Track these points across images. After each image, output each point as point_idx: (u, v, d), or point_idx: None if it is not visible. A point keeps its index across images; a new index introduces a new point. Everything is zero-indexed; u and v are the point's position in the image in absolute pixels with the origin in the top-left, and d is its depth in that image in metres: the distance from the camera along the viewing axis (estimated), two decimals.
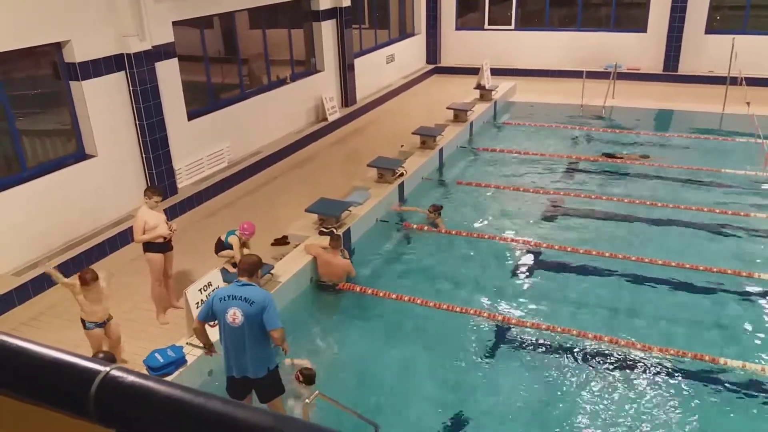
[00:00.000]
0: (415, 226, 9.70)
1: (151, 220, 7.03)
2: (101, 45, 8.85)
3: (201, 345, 5.77)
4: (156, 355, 6.05)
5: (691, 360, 6.56)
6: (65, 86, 8.72)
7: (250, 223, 7.81)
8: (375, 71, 16.77)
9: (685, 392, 6.24)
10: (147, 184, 9.50)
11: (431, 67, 19.75)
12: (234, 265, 8.11)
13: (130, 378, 1.03)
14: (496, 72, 16.84)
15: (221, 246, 7.94)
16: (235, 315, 5.04)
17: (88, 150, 9.03)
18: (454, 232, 9.49)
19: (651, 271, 8.26)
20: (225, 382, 5.44)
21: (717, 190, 10.87)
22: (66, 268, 8.12)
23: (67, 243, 8.55)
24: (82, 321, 6.18)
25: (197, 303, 6.41)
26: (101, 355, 5.68)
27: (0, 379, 1.11)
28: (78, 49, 8.54)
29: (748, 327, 7.22)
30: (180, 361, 6.10)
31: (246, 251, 7.52)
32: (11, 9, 7.70)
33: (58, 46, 8.49)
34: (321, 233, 8.78)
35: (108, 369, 1.04)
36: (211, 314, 5.24)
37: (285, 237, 9.06)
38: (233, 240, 7.76)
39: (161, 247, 7.16)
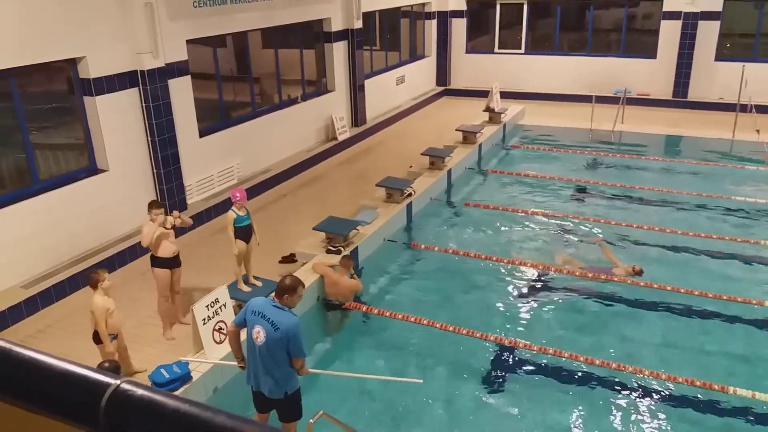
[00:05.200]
0: (423, 246, 9.69)
1: (156, 233, 7.05)
2: (115, 61, 8.97)
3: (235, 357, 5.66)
4: (162, 370, 6.05)
5: (699, 388, 6.48)
6: (79, 101, 8.83)
7: (239, 189, 7.68)
8: (385, 92, 16.89)
9: (693, 420, 6.17)
10: (158, 199, 9.54)
11: (441, 89, 19.86)
12: (246, 282, 8.12)
13: (140, 391, 1.04)
14: (505, 95, 16.92)
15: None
16: (258, 334, 5.02)
17: (99, 164, 9.11)
18: (462, 253, 9.47)
19: (660, 297, 8.20)
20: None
21: (727, 217, 10.82)
22: (74, 282, 8.17)
23: (77, 257, 8.58)
24: (95, 335, 6.17)
25: (203, 319, 6.42)
26: (106, 365, 5.64)
27: (10, 389, 1.11)
28: (93, 65, 8.66)
29: (752, 355, 7.15)
30: (186, 377, 6.09)
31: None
32: (28, 25, 7.82)
33: (73, 62, 8.61)
34: (328, 252, 8.79)
35: (119, 382, 1.05)
36: (244, 322, 5.21)
37: (293, 255, 9.07)
38: (229, 216, 7.55)
39: (169, 262, 7.18)
